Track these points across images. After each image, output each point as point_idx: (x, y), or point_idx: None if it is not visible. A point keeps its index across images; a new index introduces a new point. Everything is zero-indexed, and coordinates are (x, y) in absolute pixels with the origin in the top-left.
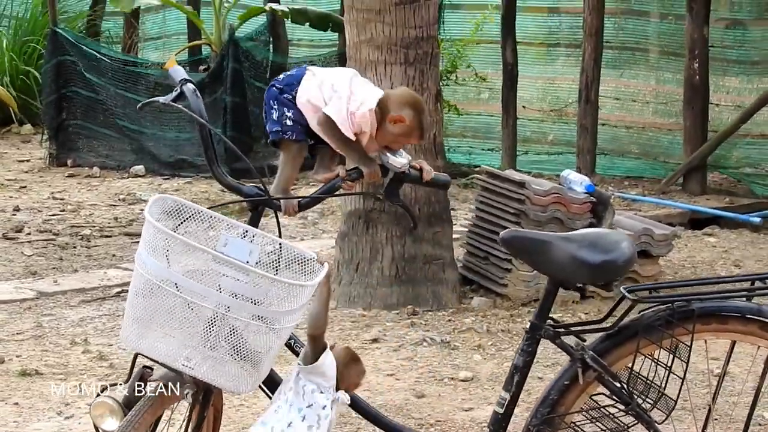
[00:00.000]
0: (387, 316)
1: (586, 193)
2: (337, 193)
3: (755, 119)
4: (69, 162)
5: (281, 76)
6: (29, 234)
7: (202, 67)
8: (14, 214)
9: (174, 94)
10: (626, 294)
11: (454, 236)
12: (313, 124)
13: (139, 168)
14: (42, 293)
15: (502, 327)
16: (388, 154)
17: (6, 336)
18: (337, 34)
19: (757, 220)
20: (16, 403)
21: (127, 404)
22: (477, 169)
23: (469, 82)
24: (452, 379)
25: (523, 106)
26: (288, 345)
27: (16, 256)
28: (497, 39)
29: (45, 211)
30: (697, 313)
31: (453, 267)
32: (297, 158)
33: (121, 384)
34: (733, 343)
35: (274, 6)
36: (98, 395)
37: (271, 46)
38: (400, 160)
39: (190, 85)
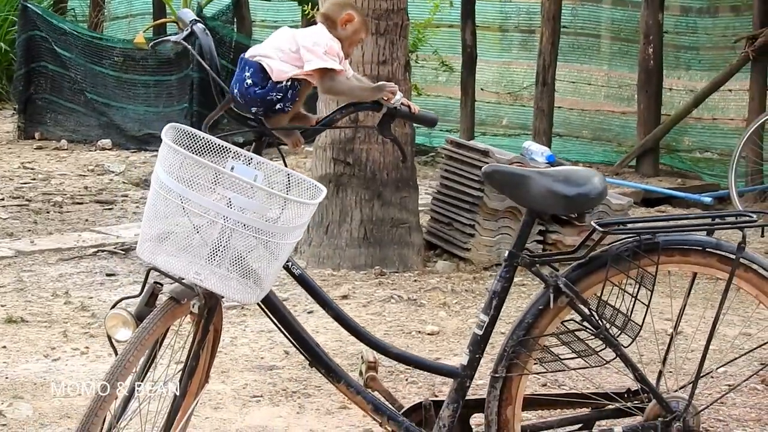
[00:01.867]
0: (355, 275)
1: (547, 162)
2: (335, 126)
3: (707, 104)
4: (37, 135)
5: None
6: (2, 200)
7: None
8: None
9: (185, 33)
10: (597, 226)
11: (419, 207)
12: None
13: (107, 141)
14: (20, 252)
15: (465, 287)
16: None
17: None
18: (299, 14)
19: (708, 200)
20: (5, 347)
21: (139, 317)
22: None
23: (427, 64)
24: (419, 332)
25: (481, 89)
26: (286, 267)
27: None
28: (455, 23)
29: (16, 179)
30: (662, 245)
31: (418, 231)
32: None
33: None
34: (694, 275)
35: None
36: (112, 307)
37: (234, 26)
38: (393, 97)
39: (200, 25)
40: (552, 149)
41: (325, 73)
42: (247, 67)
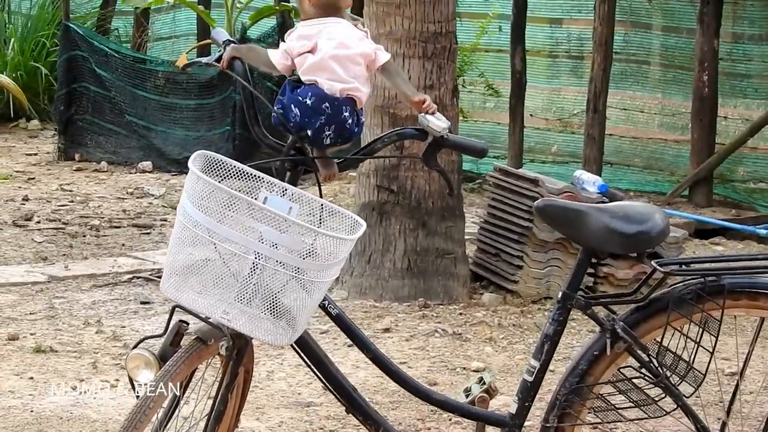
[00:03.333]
0: (398, 307)
1: (599, 192)
2: (377, 154)
3: (763, 133)
4: (77, 156)
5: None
6: (39, 222)
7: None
8: (23, 203)
9: (217, 54)
10: (658, 267)
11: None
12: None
13: (147, 164)
14: (53, 277)
15: (513, 322)
16: (428, 117)
17: (19, 315)
18: None
19: (764, 232)
20: (31, 378)
21: (163, 357)
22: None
23: (475, 89)
24: (464, 368)
25: (530, 115)
26: (322, 306)
27: (26, 242)
28: (504, 48)
29: (54, 201)
30: (728, 288)
31: (464, 262)
32: None
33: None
34: (762, 319)
35: (286, 4)
36: (135, 346)
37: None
38: (440, 124)
39: (232, 45)
40: (603, 178)
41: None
42: (344, 107)
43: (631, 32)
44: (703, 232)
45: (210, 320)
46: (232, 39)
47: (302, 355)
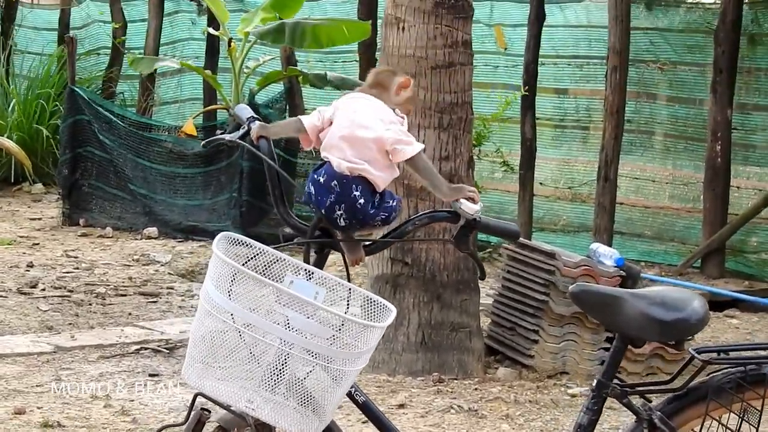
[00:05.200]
0: (412, 382)
1: (615, 266)
2: (406, 237)
3: None
4: (81, 222)
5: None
6: (44, 290)
7: (219, 132)
8: (28, 270)
9: (241, 131)
10: (696, 355)
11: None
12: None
13: (153, 230)
14: (59, 347)
15: (529, 398)
16: (462, 200)
17: (25, 388)
18: None
19: None
20: None
21: None
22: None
23: (484, 159)
24: None
25: (540, 184)
26: (349, 394)
27: (31, 311)
28: (513, 117)
29: (59, 268)
30: None
31: (479, 336)
32: None
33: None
34: None
35: (294, 69)
36: None
37: (287, 114)
38: (472, 207)
39: (258, 123)
40: (613, 247)
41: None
42: (354, 186)
43: (641, 101)
44: (717, 303)
45: (232, 408)
46: (256, 116)
47: None
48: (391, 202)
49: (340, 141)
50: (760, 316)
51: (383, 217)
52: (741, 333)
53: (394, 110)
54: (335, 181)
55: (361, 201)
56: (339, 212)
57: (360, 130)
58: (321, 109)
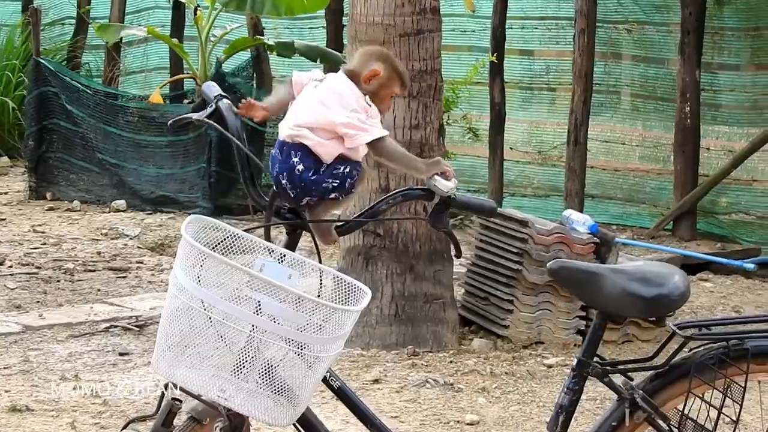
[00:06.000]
0: (386, 356)
1: (589, 233)
2: (380, 217)
3: (745, 165)
4: (48, 195)
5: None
6: (11, 267)
7: (187, 101)
8: None
9: (209, 110)
10: (677, 331)
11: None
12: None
13: (121, 203)
14: (28, 327)
15: (505, 369)
16: (436, 177)
17: None
18: (322, 70)
19: (751, 266)
20: None
21: None
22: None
23: (453, 124)
24: (458, 422)
25: (510, 148)
26: (324, 379)
27: None
28: (482, 80)
29: (26, 244)
30: (752, 352)
31: (453, 307)
32: None
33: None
34: None
35: (260, 38)
36: (123, 428)
37: (254, 82)
38: (447, 184)
39: (226, 101)
40: (584, 211)
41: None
42: (293, 152)
43: (609, 62)
44: (690, 266)
45: (204, 398)
46: (224, 94)
47: None
48: (341, 168)
49: (293, 109)
50: (734, 279)
51: (334, 185)
52: (716, 297)
53: (366, 95)
54: (277, 149)
55: (300, 167)
56: (284, 181)
57: (317, 106)
58: (313, 74)
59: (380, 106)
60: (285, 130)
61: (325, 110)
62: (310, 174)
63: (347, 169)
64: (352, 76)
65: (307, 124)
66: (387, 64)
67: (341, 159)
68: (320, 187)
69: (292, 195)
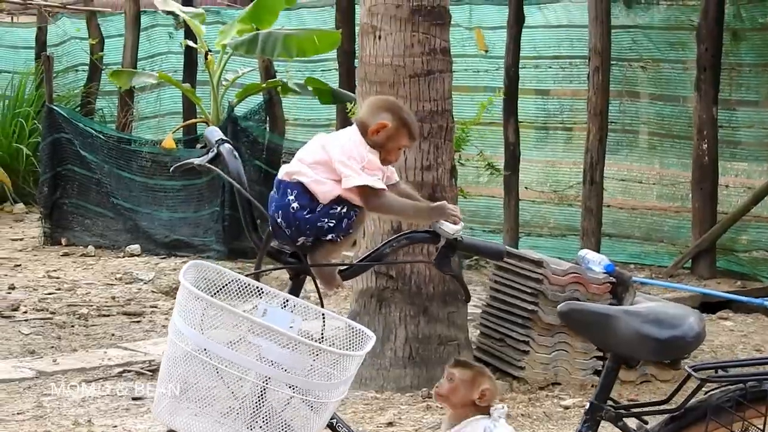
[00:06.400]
0: (401, 398)
1: (605, 273)
2: (384, 260)
3: (765, 202)
4: (63, 241)
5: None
6: (26, 312)
7: (200, 146)
8: (9, 293)
9: (210, 155)
10: (693, 373)
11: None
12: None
13: (135, 247)
14: (41, 372)
15: (521, 411)
16: (441, 220)
17: (6, 416)
18: (334, 113)
19: None
20: None
21: None
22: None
23: (468, 164)
24: None
25: (525, 188)
26: (330, 425)
27: (13, 335)
28: (497, 121)
29: (41, 289)
30: None
31: (468, 348)
32: None
33: None
34: None
35: (273, 81)
36: None
37: (267, 125)
38: (452, 227)
39: (228, 146)
40: (601, 251)
41: (367, 190)
42: (289, 191)
43: (625, 101)
44: (709, 305)
45: None
46: (225, 138)
47: None
48: (338, 208)
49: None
50: (755, 317)
51: (330, 225)
52: (736, 336)
53: (372, 147)
54: (275, 188)
55: (295, 205)
56: (279, 220)
57: (318, 149)
58: None
59: (388, 158)
60: (284, 169)
61: (323, 152)
62: (305, 212)
63: (344, 210)
64: (363, 127)
65: (305, 162)
66: (396, 116)
67: (339, 200)
68: (315, 226)
69: (287, 233)
